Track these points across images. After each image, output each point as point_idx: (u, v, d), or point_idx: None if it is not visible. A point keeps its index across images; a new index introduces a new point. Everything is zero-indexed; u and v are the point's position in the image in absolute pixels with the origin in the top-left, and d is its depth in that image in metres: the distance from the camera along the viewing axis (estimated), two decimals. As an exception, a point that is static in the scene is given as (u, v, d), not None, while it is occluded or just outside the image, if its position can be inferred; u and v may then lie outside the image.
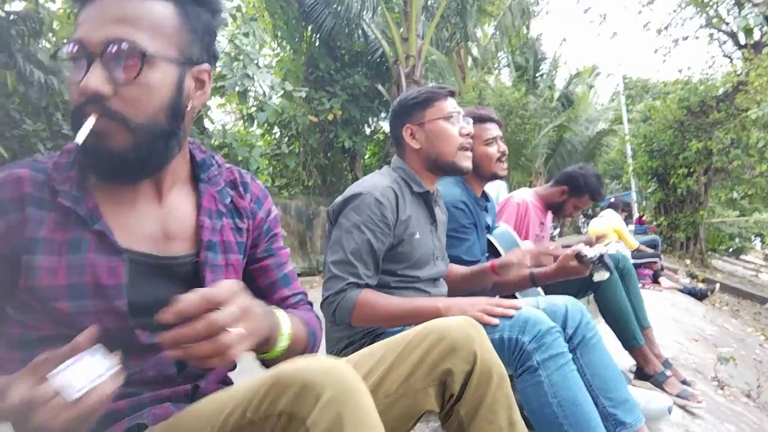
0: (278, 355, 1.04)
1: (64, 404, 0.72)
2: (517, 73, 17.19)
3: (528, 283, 2.21)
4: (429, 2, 11.46)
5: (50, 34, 5.79)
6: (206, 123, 8.68)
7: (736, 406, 3.26)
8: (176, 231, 1.05)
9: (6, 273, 0.93)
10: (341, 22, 10.64)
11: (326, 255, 1.77)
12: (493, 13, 12.50)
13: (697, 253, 12.10)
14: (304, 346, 1.15)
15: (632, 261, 2.96)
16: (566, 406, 1.46)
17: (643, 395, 2.26)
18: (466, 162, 1.94)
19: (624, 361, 2.75)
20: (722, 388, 3.46)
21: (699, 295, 7.17)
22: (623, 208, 7.90)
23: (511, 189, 4.06)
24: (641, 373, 2.67)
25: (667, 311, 5.36)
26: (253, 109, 8.58)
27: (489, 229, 2.58)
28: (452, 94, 1.97)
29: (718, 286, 7.93)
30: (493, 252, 2.56)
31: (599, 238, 2.34)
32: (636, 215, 12.80)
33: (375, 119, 12.71)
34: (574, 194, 3.22)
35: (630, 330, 2.56)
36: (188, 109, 1.02)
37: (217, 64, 1.11)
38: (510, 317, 1.54)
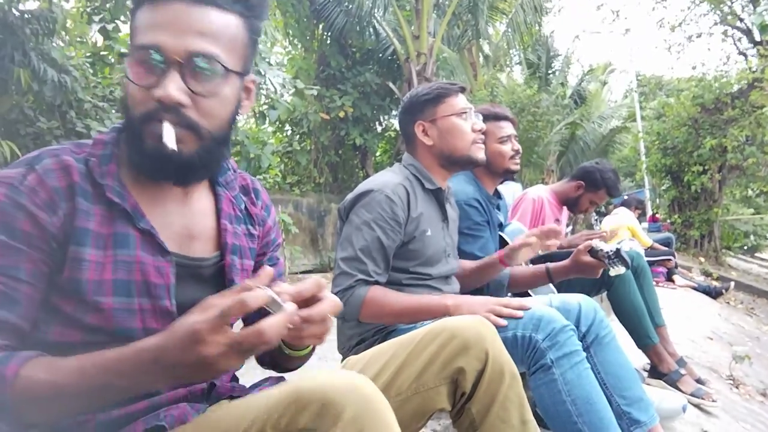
0: (307, 353, 1.08)
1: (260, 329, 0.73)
2: (530, 71, 17.11)
3: (544, 278, 2.19)
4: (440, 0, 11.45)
5: (63, 33, 5.83)
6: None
7: (751, 404, 3.22)
8: (199, 232, 1.05)
9: (56, 260, 0.91)
10: (352, 20, 10.64)
11: (336, 252, 1.77)
12: (505, 10, 12.43)
13: (712, 251, 11.98)
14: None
15: (646, 259, 2.93)
16: (580, 405, 1.44)
17: (657, 394, 2.24)
18: (480, 153, 1.93)
19: (637, 359, 2.73)
20: (737, 387, 3.42)
21: (713, 293, 7.10)
22: (636, 205, 7.84)
23: (523, 187, 4.03)
24: (655, 372, 2.65)
25: (681, 309, 5.31)
26: (265, 106, 8.60)
27: (501, 227, 2.57)
28: (463, 90, 1.96)
29: (732, 284, 7.84)
30: (505, 249, 2.54)
31: (612, 233, 2.33)
32: (649, 213, 12.70)
33: (386, 117, 12.70)
34: (591, 189, 3.21)
35: (644, 328, 2.54)
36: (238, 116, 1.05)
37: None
38: (518, 318, 1.53)
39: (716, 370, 3.61)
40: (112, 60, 6.91)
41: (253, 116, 9.16)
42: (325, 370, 0.82)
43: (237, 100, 1.01)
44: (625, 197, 7.61)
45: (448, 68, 12.71)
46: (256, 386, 1.11)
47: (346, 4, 10.44)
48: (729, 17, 13.40)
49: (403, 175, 1.88)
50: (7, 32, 4.71)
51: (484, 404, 1.17)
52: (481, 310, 1.56)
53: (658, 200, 14.68)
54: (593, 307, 1.74)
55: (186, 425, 0.95)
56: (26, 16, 4.92)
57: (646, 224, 9.90)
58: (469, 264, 2.08)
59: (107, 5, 6.39)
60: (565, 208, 3.37)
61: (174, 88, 0.90)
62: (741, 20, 13.41)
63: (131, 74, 0.93)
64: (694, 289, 7.10)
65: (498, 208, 2.53)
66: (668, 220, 12.12)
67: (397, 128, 12.60)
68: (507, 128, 2.46)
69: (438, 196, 1.92)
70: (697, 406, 2.58)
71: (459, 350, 1.16)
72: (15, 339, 0.87)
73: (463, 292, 1.96)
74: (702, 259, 11.07)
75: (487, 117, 2.37)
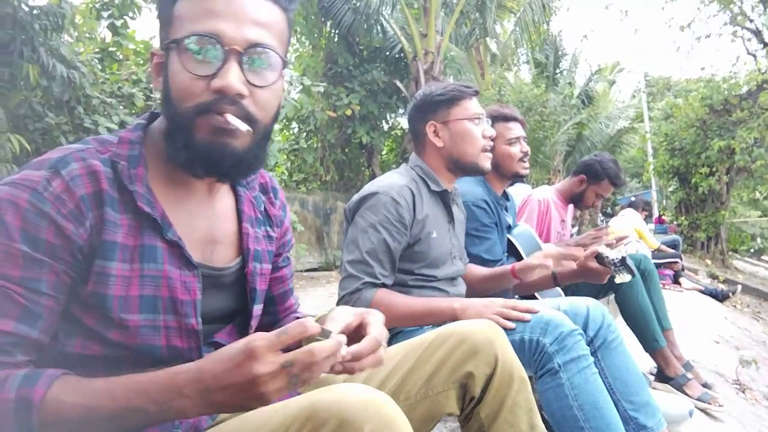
0: None
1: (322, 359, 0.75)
2: (537, 70, 17.05)
3: (550, 283, 2.19)
4: (448, -2, 11.43)
5: (72, 29, 5.84)
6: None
7: (757, 409, 3.21)
8: (221, 237, 1.03)
9: (79, 272, 0.87)
10: (360, 18, 10.63)
11: (343, 254, 1.77)
12: (513, 8, 12.40)
13: (719, 253, 11.92)
14: None
15: (653, 261, 2.92)
16: (587, 410, 1.44)
17: (664, 398, 2.23)
18: (486, 163, 1.92)
19: (644, 362, 2.72)
20: (744, 391, 3.41)
21: (720, 297, 7.07)
22: (643, 207, 7.82)
23: (532, 187, 4.01)
24: (662, 375, 2.64)
25: (687, 312, 5.29)
26: (272, 104, 8.59)
27: (509, 228, 2.56)
28: (476, 93, 1.95)
29: (739, 287, 7.80)
30: (513, 251, 2.54)
31: (619, 240, 2.32)
32: (656, 214, 12.66)
33: (393, 115, 12.67)
34: (593, 181, 3.19)
35: (651, 332, 2.53)
36: None
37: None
38: (526, 321, 1.52)
39: (722, 374, 3.59)
40: (121, 56, 6.92)
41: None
42: (342, 385, 0.80)
43: (282, 94, 0.99)
44: (632, 199, 7.59)
45: (456, 67, 12.68)
46: None
47: (354, 1, 10.43)
48: (739, 17, 13.33)
49: (409, 176, 1.87)
50: (16, 28, 4.72)
51: (492, 409, 1.17)
52: (488, 312, 1.56)
53: (665, 202, 14.63)
54: (601, 311, 1.74)
55: None
56: (35, 11, 4.93)
57: (652, 226, 9.88)
58: (479, 271, 2.07)
59: (116, 1, 6.40)
60: (570, 207, 3.36)
61: (235, 78, 0.88)
62: (751, 21, 13.33)
63: (182, 64, 0.88)
64: (701, 292, 7.08)
65: (506, 209, 2.52)
66: (675, 222, 12.08)
67: (404, 127, 12.58)
68: (516, 129, 2.45)
69: (444, 198, 1.91)
70: (703, 410, 2.57)
71: (468, 354, 1.16)
72: (35, 354, 0.85)
73: (469, 296, 1.95)
74: (708, 262, 11.03)
75: (497, 118, 2.36)
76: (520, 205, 3.15)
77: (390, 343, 1.63)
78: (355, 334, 0.91)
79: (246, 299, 1.07)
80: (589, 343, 1.66)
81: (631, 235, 6.66)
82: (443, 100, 1.90)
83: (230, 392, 0.77)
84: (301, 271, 8.69)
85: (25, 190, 0.83)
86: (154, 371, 0.80)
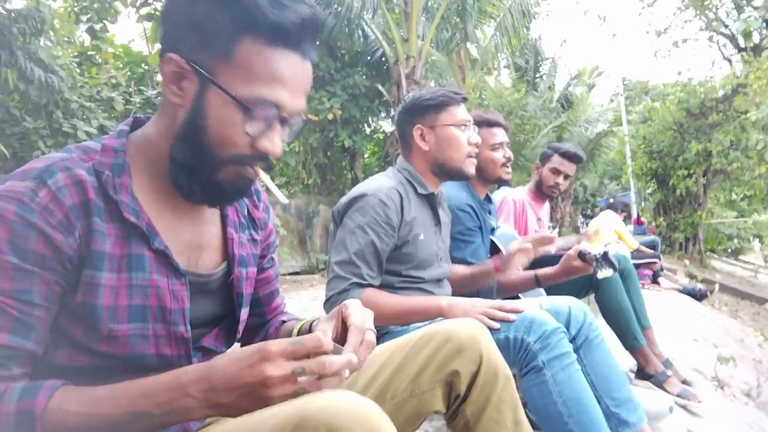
0: None
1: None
2: (517, 74, 17.19)
3: (533, 284, 2.22)
4: (429, 3, 11.45)
5: (51, 33, 5.79)
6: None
7: (735, 405, 3.27)
8: (206, 242, 1.03)
9: (69, 282, 0.86)
10: (342, 22, 10.62)
11: (330, 255, 1.78)
12: (493, 14, 12.47)
13: (696, 253, 12.12)
14: None
15: (632, 261, 2.97)
16: (571, 406, 1.46)
17: (645, 395, 2.27)
18: (471, 168, 1.94)
19: (624, 361, 2.76)
20: (722, 388, 3.47)
21: (698, 296, 7.18)
22: (622, 208, 7.91)
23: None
24: (642, 373, 2.68)
25: (666, 312, 5.37)
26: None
27: (493, 231, 2.59)
28: (465, 100, 1.97)
29: (717, 286, 7.94)
30: (497, 253, 2.56)
31: (594, 233, 2.37)
32: (634, 216, 12.82)
33: (375, 119, 12.66)
34: (545, 161, 3.27)
35: (631, 330, 2.57)
36: None
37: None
38: (511, 322, 1.55)
39: (701, 371, 3.65)
40: (100, 60, 6.86)
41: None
42: (330, 392, 0.80)
43: None
44: (611, 201, 7.67)
45: (437, 71, 12.72)
46: None
47: (336, 6, 10.43)
48: (714, 23, 13.59)
49: (397, 179, 1.89)
50: (-7, 31, 4.68)
51: (478, 406, 1.19)
52: (474, 312, 1.58)
53: (643, 203, 14.82)
54: (583, 309, 1.77)
55: None
56: (13, 15, 4.88)
57: (631, 227, 9.99)
58: (462, 270, 2.10)
59: (95, 5, 6.35)
60: (546, 204, 3.40)
61: (280, 144, 0.91)
62: (726, 26, 13.60)
63: (230, 113, 0.88)
64: (680, 291, 7.18)
65: (489, 213, 2.55)
66: (653, 223, 12.24)
67: (386, 130, 12.55)
68: (499, 135, 2.47)
69: (431, 201, 1.93)
70: (683, 406, 2.61)
71: (454, 353, 1.17)
72: (31, 366, 0.84)
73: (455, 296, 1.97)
74: (687, 262, 11.20)
75: (480, 123, 2.38)
76: (497, 207, 3.19)
77: (377, 343, 1.64)
78: (342, 330, 0.93)
79: (232, 303, 1.08)
80: (571, 341, 1.68)
81: (611, 236, 6.76)
82: (431, 105, 1.91)
83: (237, 393, 0.78)
84: (284, 274, 8.66)
85: (11, 201, 0.82)
86: (156, 375, 0.81)
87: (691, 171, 11.36)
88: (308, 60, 0.93)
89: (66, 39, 6.57)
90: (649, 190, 13.42)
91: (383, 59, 11.46)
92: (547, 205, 3.44)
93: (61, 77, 5.31)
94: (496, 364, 1.20)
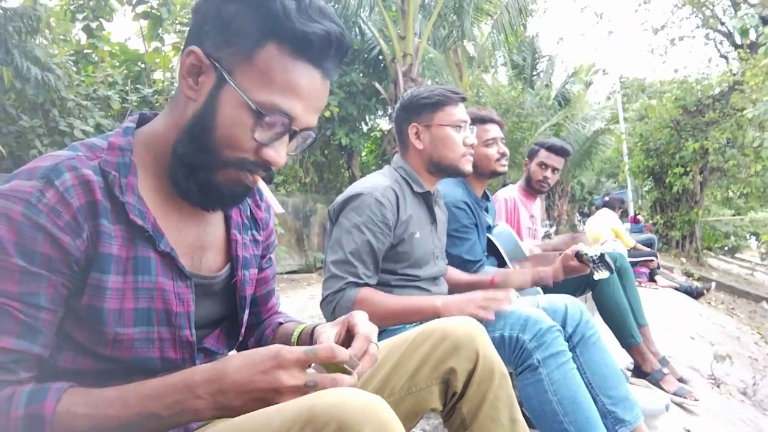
0: None
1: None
2: (514, 72, 17.19)
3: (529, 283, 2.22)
4: (426, 0, 11.45)
5: (47, 31, 5.76)
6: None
7: (732, 403, 3.28)
8: (210, 243, 1.02)
9: (75, 284, 0.85)
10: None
11: (326, 254, 1.78)
12: (490, 11, 12.46)
13: (693, 251, 12.16)
14: None
15: (628, 259, 2.98)
16: (566, 404, 1.47)
17: (641, 393, 2.27)
18: (467, 165, 1.94)
19: (621, 359, 2.77)
20: (718, 386, 3.48)
21: (695, 294, 7.20)
22: (618, 206, 7.92)
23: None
24: (639, 371, 2.69)
25: (663, 309, 5.38)
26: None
27: (489, 228, 2.59)
28: (463, 100, 1.95)
29: (713, 284, 7.97)
30: (493, 250, 2.57)
31: (594, 239, 2.39)
32: (631, 214, 12.84)
33: (372, 117, 12.66)
34: (532, 157, 3.29)
35: (628, 328, 2.58)
36: None
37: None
38: (506, 311, 1.55)
39: (698, 369, 3.67)
40: (96, 58, 6.84)
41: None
42: (339, 389, 0.80)
43: None
44: (607, 199, 7.68)
45: (434, 69, 12.72)
46: None
47: (332, 3, 10.42)
48: (711, 20, 13.61)
49: (393, 177, 1.89)
50: (-11, 30, 4.66)
51: (474, 403, 1.19)
52: (470, 307, 1.58)
53: (640, 201, 14.84)
54: (579, 308, 1.77)
55: None
56: (9, 13, 4.86)
57: (628, 225, 10.00)
58: (458, 275, 2.11)
59: (90, 3, 6.33)
60: (538, 201, 3.42)
61: (285, 156, 0.91)
62: (722, 24, 13.62)
63: (242, 116, 0.87)
64: (676, 289, 7.20)
65: (486, 210, 2.55)
66: (650, 221, 12.26)
67: (383, 128, 12.52)
68: (493, 131, 2.48)
69: (427, 199, 1.93)
70: (679, 404, 2.62)
71: (450, 351, 1.18)
72: (37, 369, 0.83)
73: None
74: (683, 260, 11.22)
75: (474, 120, 2.38)
76: None
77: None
78: (345, 338, 0.94)
79: (233, 304, 1.07)
80: (568, 339, 1.69)
81: (607, 234, 6.77)
82: (428, 103, 1.90)
83: (247, 398, 0.78)
84: (281, 273, 8.65)
85: (18, 202, 0.80)
86: (165, 376, 0.81)
87: (688, 169, 11.38)
88: (328, 80, 0.92)
89: (62, 37, 6.55)
90: (645, 188, 13.43)
91: (380, 57, 11.46)
92: (539, 201, 3.46)
93: (57, 75, 5.29)
94: (493, 362, 1.21)
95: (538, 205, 3.42)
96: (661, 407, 2.26)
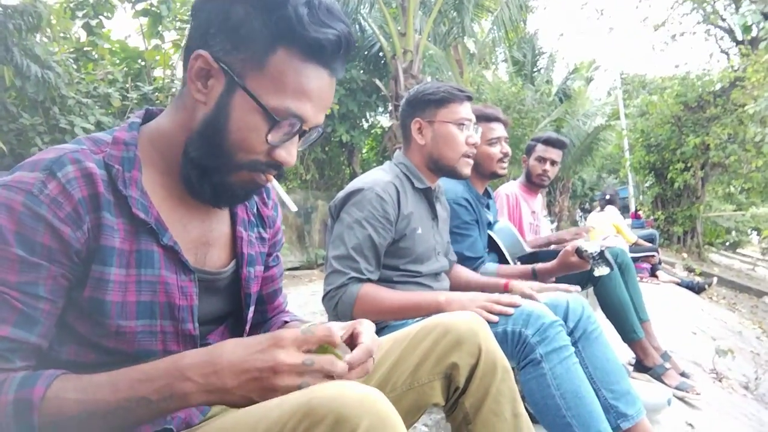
0: None
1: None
2: (515, 68, 17.16)
3: (530, 278, 2.22)
4: (426, -3, 11.45)
5: (47, 29, 5.75)
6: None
7: (733, 397, 3.28)
8: (215, 239, 1.02)
9: (76, 276, 0.85)
10: (339, 17, 10.62)
11: (328, 250, 1.78)
12: (490, 7, 12.44)
13: (695, 246, 12.15)
14: None
15: (630, 255, 2.98)
16: (569, 399, 1.47)
17: (643, 387, 2.28)
18: (466, 169, 1.93)
19: (623, 353, 2.77)
20: (720, 380, 3.48)
21: (696, 289, 7.21)
22: (617, 200, 7.91)
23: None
24: (640, 366, 2.69)
25: (665, 305, 5.38)
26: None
27: (490, 225, 2.59)
28: (469, 99, 1.94)
29: (715, 279, 7.96)
30: (494, 247, 2.57)
31: (590, 230, 2.40)
32: (632, 209, 12.83)
33: (373, 114, 12.65)
34: (530, 152, 3.31)
35: (629, 323, 2.58)
36: None
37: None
38: (509, 315, 1.55)
39: (699, 364, 3.67)
40: (96, 56, 6.83)
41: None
42: (337, 382, 0.80)
43: None
44: (607, 197, 7.68)
45: (435, 65, 12.71)
46: None
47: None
48: (711, 16, 13.58)
49: (394, 173, 1.88)
50: (-11, 28, 4.66)
51: (477, 398, 1.19)
52: (472, 305, 1.58)
53: (641, 197, 14.83)
54: (580, 303, 1.77)
55: (193, 429, 0.95)
56: (9, 11, 4.85)
57: (629, 221, 10.00)
58: (469, 276, 2.10)
59: (91, 0, 6.32)
60: (539, 196, 3.42)
61: (296, 154, 0.93)
62: (723, 19, 13.60)
63: (255, 120, 0.88)
64: (678, 284, 7.21)
65: (488, 207, 2.55)
66: (651, 217, 12.26)
67: (384, 125, 12.50)
68: (498, 130, 2.47)
69: (428, 195, 1.93)
70: (681, 399, 2.62)
71: (453, 345, 1.17)
72: (35, 359, 0.83)
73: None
74: (685, 255, 11.23)
75: (479, 118, 2.37)
76: None
77: (377, 335, 1.64)
78: (348, 344, 0.93)
79: (238, 301, 1.08)
80: (570, 334, 1.68)
81: (609, 230, 6.77)
82: (432, 99, 1.90)
83: (243, 378, 0.78)
84: (284, 269, 8.67)
85: (20, 192, 0.81)
86: (156, 360, 0.81)
87: (689, 164, 11.38)
88: (334, 78, 0.93)
89: (62, 35, 6.53)
90: (647, 184, 13.44)
91: (380, 54, 11.45)
92: (540, 197, 3.46)
93: (57, 73, 5.27)
94: (495, 356, 1.20)
95: (539, 200, 3.43)
96: (663, 402, 2.27)
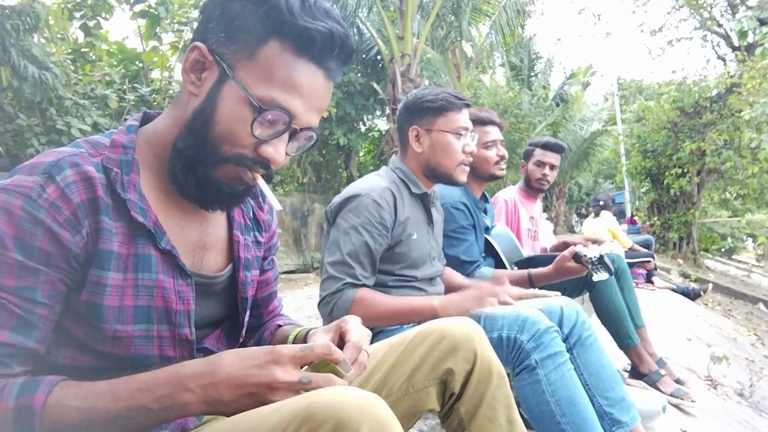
0: None
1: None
2: (512, 73, 17.22)
3: (526, 284, 2.22)
4: (424, 1, 11.45)
5: (45, 29, 5.75)
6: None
7: (728, 404, 3.28)
8: (211, 243, 1.02)
9: (74, 280, 0.85)
10: (337, 20, 10.63)
11: (324, 255, 1.77)
12: (488, 12, 12.48)
13: (690, 253, 12.17)
14: None
15: (626, 260, 2.98)
16: (564, 405, 1.47)
17: (638, 394, 2.28)
18: (462, 176, 1.93)
19: (618, 360, 2.77)
20: (715, 387, 3.48)
21: (692, 295, 7.22)
22: (611, 205, 7.92)
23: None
24: (636, 372, 2.69)
25: (660, 311, 5.39)
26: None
27: (487, 230, 2.59)
28: (467, 106, 1.94)
29: (710, 285, 7.97)
30: (491, 252, 2.57)
31: (594, 242, 2.40)
32: (629, 215, 12.86)
33: (370, 117, 12.66)
34: (528, 157, 3.32)
35: (625, 329, 2.58)
36: None
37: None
38: (509, 303, 1.55)
39: (694, 370, 3.67)
40: (93, 57, 6.82)
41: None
42: (337, 387, 0.80)
43: None
44: (601, 203, 7.69)
45: (432, 69, 12.74)
46: None
47: (330, 3, 10.43)
48: (708, 22, 13.64)
49: (390, 179, 1.88)
50: (-14, 28, 4.65)
51: (472, 404, 1.19)
52: (468, 303, 1.58)
53: (637, 202, 14.86)
54: (575, 309, 1.77)
55: None
56: (6, 11, 4.85)
57: (625, 226, 10.02)
58: (457, 278, 2.10)
59: (88, 1, 6.31)
60: (538, 202, 3.42)
61: (284, 153, 0.91)
62: (720, 25, 13.65)
63: (242, 112, 0.87)
64: (673, 290, 7.21)
65: (485, 212, 2.55)
66: (647, 223, 12.28)
67: (381, 129, 12.51)
68: (493, 133, 2.48)
69: (424, 200, 1.93)
70: (676, 406, 2.62)
71: (448, 351, 1.17)
72: (32, 364, 0.83)
73: None
74: (680, 261, 11.24)
75: (474, 121, 2.38)
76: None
77: (371, 341, 1.65)
78: (338, 345, 0.93)
79: (234, 305, 1.07)
80: (565, 340, 1.69)
81: (605, 235, 6.78)
82: (431, 107, 1.89)
83: (238, 392, 0.78)
84: (279, 273, 8.65)
85: (18, 196, 0.80)
86: (156, 369, 0.81)
87: (685, 170, 11.40)
88: (331, 81, 0.92)
89: (60, 36, 6.52)
90: (643, 189, 13.46)
91: (378, 57, 11.47)
92: (539, 202, 3.46)
93: (55, 74, 5.27)
94: (491, 362, 1.20)
95: (538, 206, 3.43)
96: (658, 408, 2.26)
